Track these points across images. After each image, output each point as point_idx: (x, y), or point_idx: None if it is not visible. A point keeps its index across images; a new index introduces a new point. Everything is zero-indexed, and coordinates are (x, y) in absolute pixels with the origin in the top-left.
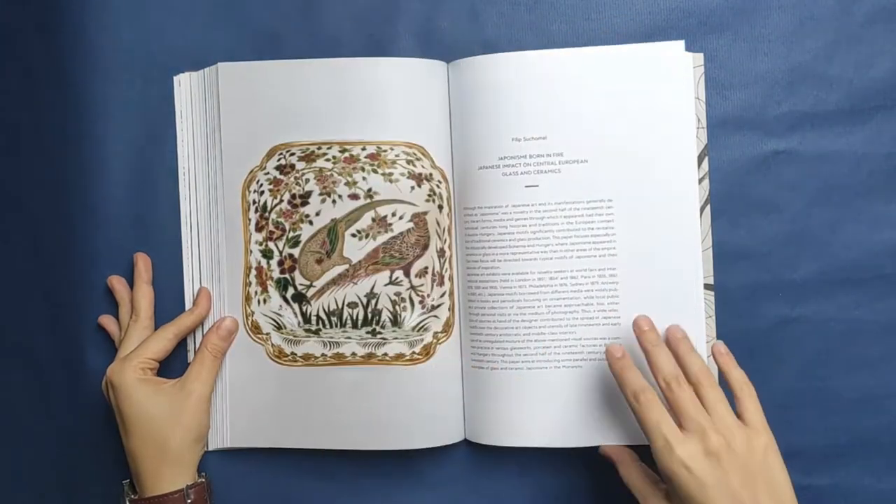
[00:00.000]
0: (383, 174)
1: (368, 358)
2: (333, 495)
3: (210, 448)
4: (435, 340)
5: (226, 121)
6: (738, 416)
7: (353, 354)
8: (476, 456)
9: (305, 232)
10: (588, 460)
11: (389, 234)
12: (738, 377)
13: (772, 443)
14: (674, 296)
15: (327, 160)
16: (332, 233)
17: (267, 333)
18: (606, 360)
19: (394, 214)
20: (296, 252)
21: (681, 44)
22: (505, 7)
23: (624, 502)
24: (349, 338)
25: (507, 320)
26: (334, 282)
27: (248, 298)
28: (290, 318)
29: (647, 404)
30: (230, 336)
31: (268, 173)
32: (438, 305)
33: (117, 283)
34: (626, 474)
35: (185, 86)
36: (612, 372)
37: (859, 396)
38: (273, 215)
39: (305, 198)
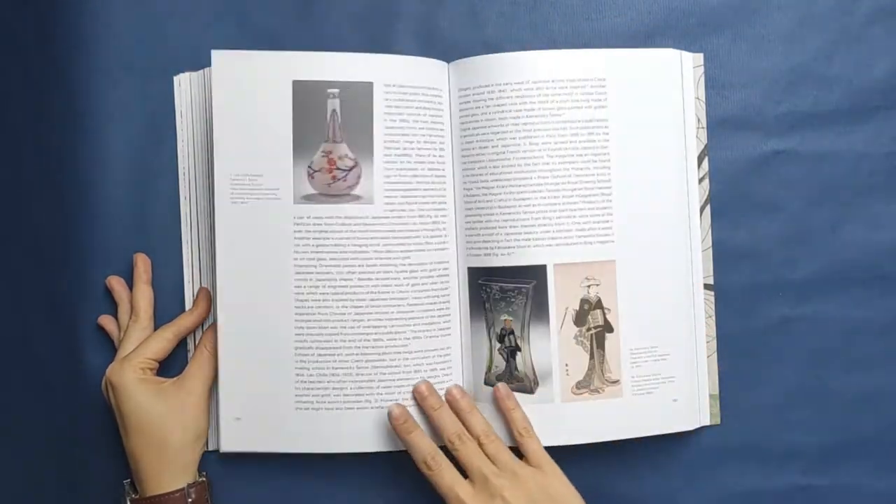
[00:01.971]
0: None
1: None
2: (333, 495)
3: (210, 448)
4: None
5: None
6: (525, 457)
7: None
8: None
9: None
10: (588, 460)
11: None
12: (519, 418)
13: (556, 474)
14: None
15: None
16: None
17: None
18: (391, 424)
19: None
20: None
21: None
22: (505, 7)
23: (623, 502)
24: None
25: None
26: None
27: None
28: None
29: (438, 470)
30: None
31: None
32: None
33: (116, 283)
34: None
35: (185, 86)
36: (398, 436)
37: (859, 396)
38: None
39: None
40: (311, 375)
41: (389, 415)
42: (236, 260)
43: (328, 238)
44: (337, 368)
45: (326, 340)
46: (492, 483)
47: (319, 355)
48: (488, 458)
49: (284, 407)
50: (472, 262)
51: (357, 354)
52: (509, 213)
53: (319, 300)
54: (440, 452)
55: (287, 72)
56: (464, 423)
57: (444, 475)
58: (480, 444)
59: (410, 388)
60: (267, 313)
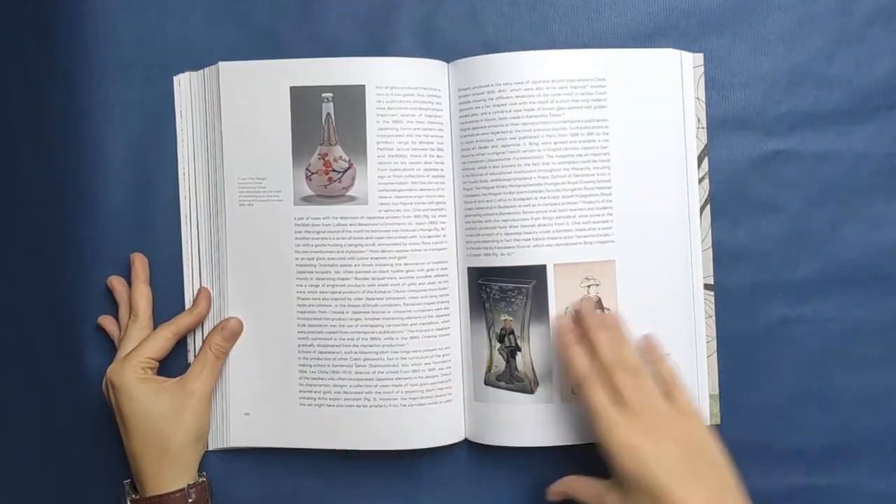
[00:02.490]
0: None
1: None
2: (333, 495)
3: (210, 448)
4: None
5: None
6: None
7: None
8: (476, 456)
9: None
10: (588, 460)
11: None
12: (668, 368)
13: (705, 427)
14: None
15: None
16: None
17: None
18: (554, 337)
19: None
20: None
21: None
22: (505, 7)
23: None
24: None
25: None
26: None
27: None
28: None
29: (592, 388)
30: (234, 337)
31: None
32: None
33: (117, 283)
34: (576, 490)
35: (185, 86)
36: (558, 347)
37: (859, 396)
38: None
39: None
40: (313, 372)
41: (559, 327)
42: (244, 260)
43: (326, 238)
44: (337, 366)
45: (326, 339)
46: (647, 416)
47: (320, 353)
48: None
49: (289, 403)
50: (471, 262)
51: (355, 353)
52: (509, 213)
53: (319, 299)
54: (597, 376)
55: (285, 78)
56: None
57: (600, 394)
58: (633, 377)
59: (408, 388)
60: (272, 311)
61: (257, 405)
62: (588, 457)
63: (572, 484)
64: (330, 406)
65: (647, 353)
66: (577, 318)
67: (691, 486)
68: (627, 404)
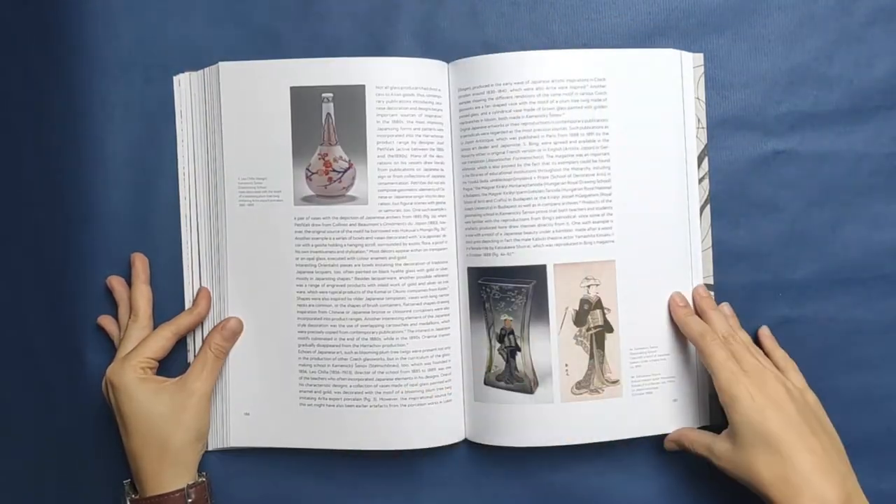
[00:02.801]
0: None
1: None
2: (333, 495)
3: (210, 448)
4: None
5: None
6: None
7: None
8: (476, 456)
9: None
10: (588, 461)
11: None
12: (781, 354)
13: (819, 403)
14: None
15: None
16: None
17: None
18: (669, 309)
19: None
20: None
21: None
22: (505, 7)
23: (623, 502)
24: None
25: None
26: None
27: None
28: None
29: (713, 343)
30: (234, 337)
31: None
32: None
33: (117, 283)
34: (689, 439)
35: (185, 86)
36: (675, 318)
37: (859, 396)
38: None
39: None
40: (313, 372)
41: (671, 300)
42: (244, 261)
43: (326, 238)
44: (337, 366)
45: (326, 338)
46: (768, 379)
47: (320, 353)
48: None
49: (289, 403)
50: (471, 262)
51: (355, 353)
52: (509, 213)
53: (319, 299)
54: (715, 335)
55: (285, 78)
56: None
57: (719, 348)
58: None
59: (408, 388)
60: (272, 311)
61: (257, 405)
62: (589, 457)
63: (686, 434)
64: (330, 406)
65: (763, 341)
66: (699, 299)
67: (805, 441)
68: (748, 366)
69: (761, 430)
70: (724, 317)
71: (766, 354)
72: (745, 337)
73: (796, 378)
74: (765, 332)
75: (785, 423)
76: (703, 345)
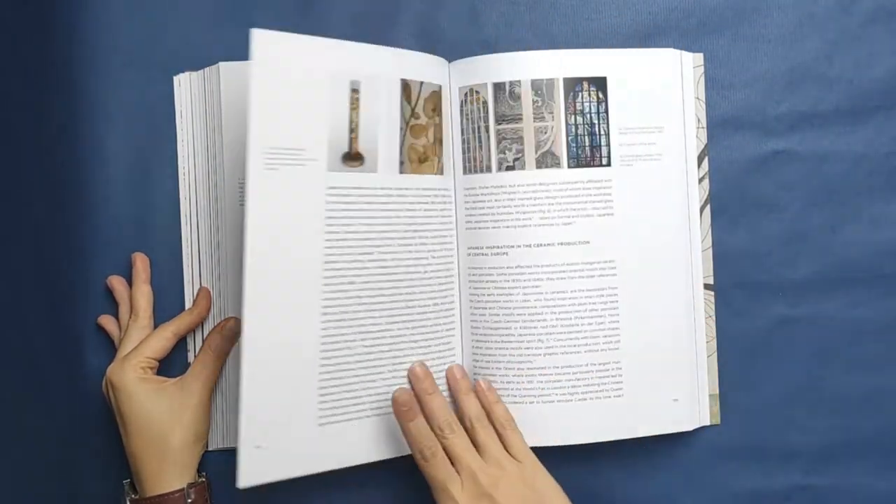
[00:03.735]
0: None
1: None
2: (334, 496)
3: (210, 448)
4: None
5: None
6: (507, 450)
7: None
8: None
9: None
10: (588, 460)
11: None
12: (501, 412)
13: (538, 468)
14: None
15: None
16: None
17: None
18: (393, 409)
19: None
20: None
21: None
22: (505, 7)
23: (623, 502)
24: None
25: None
26: None
27: None
28: None
29: (434, 462)
30: (234, 337)
31: None
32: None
33: (117, 282)
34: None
35: (185, 86)
36: (398, 421)
37: (859, 396)
38: None
39: None
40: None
41: (394, 399)
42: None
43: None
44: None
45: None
46: (480, 479)
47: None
48: (477, 445)
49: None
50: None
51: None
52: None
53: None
54: (438, 445)
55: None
56: (459, 405)
57: (440, 469)
58: (472, 429)
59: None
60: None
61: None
62: (589, 457)
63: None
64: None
65: (481, 396)
66: (414, 381)
67: None
68: (461, 469)
69: None
70: (441, 402)
71: (486, 411)
72: (472, 404)
73: (516, 445)
74: (481, 387)
75: None
76: (423, 465)
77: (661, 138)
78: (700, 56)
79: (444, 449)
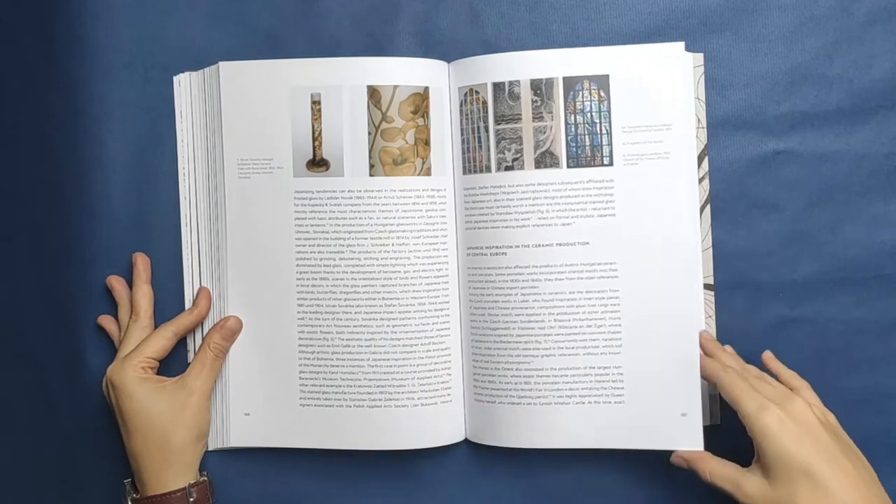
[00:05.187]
0: None
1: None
2: (333, 495)
3: (210, 448)
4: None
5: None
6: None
7: None
8: (476, 456)
9: None
10: (588, 461)
11: None
12: (792, 375)
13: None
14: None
15: None
16: None
17: None
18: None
19: None
20: None
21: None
22: (505, 7)
23: (623, 502)
24: None
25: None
26: None
27: None
28: None
29: (734, 375)
30: (233, 336)
31: None
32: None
33: (116, 282)
34: (710, 469)
35: (185, 86)
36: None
37: (859, 396)
38: None
39: None
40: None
41: (701, 340)
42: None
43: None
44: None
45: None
46: (793, 401)
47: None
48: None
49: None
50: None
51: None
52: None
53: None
54: (735, 369)
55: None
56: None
57: (739, 380)
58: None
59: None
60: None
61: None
62: (588, 457)
63: (706, 462)
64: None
65: (769, 364)
66: (705, 343)
67: (841, 468)
68: (769, 396)
69: (800, 462)
70: (731, 355)
71: (776, 377)
72: (755, 371)
73: (813, 398)
74: (768, 356)
75: (822, 453)
76: (724, 377)
77: (668, 136)
78: (700, 56)
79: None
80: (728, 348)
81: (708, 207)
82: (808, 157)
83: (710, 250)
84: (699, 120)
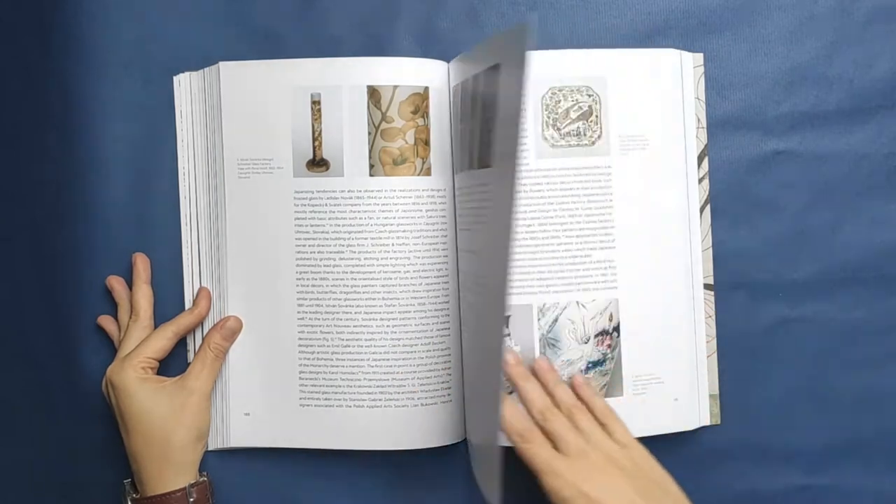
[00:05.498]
0: None
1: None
2: (333, 495)
3: (210, 448)
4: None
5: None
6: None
7: None
8: None
9: None
10: None
11: None
12: (600, 405)
13: (645, 453)
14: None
15: None
16: None
17: None
18: (506, 371)
19: None
20: None
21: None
22: (505, 7)
23: None
24: None
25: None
26: None
27: None
28: None
29: (531, 444)
30: (233, 335)
31: None
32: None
33: (116, 283)
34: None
35: (185, 86)
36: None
37: (859, 396)
38: None
39: None
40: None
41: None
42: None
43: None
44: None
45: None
46: (591, 455)
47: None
48: (579, 431)
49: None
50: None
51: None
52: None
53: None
54: (536, 428)
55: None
56: (552, 395)
57: (541, 448)
58: (572, 416)
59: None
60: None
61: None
62: None
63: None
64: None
65: (578, 391)
66: (507, 368)
67: None
68: (569, 448)
69: None
70: (536, 387)
71: (586, 405)
72: (562, 393)
73: (620, 430)
74: (578, 381)
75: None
76: (522, 450)
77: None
78: (700, 56)
79: (549, 432)
80: (543, 361)
81: (708, 207)
82: (808, 157)
83: (710, 250)
84: (699, 120)
